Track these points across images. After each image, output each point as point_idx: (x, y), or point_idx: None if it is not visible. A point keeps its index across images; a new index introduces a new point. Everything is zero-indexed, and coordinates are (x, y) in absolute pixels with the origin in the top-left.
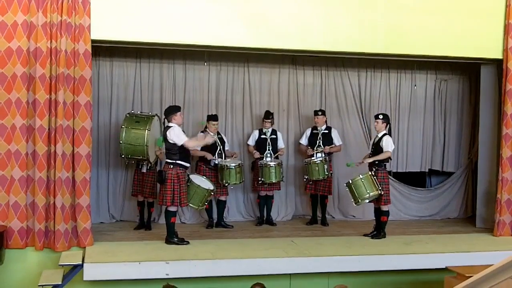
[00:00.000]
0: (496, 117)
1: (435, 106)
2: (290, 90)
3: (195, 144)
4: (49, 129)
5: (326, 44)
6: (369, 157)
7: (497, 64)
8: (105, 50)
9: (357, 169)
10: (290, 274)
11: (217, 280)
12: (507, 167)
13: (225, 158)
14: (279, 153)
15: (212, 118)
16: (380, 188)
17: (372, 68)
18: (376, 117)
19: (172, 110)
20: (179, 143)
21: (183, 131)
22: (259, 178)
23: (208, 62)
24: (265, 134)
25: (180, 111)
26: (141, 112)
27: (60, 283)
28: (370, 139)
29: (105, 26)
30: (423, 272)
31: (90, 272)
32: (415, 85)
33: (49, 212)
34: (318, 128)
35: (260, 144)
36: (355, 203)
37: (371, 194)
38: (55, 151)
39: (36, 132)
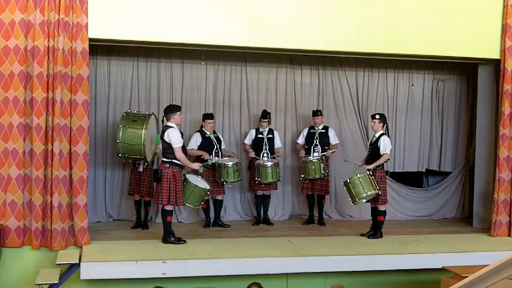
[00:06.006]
0: (493, 117)
1: (432, 106)
2: (288, 90)
3: (182, 158)
4: (46, 127)
5: (324, 44)
6: (367, 158)
7: (495, 64)
8: (102, 49)
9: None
10: (287, 273)
11: (214, 279)
12: (504, 167)
13: (222, 157)
14: (277, 154)
15: (208, 116)
16: (377, 187)
17: (369, 67)
18: (373, 117)
19: (172, 109)
20: (173, 146)
21: (181, 132)
22: (256, 178)
23: (206, 61)
24: (262, 133)
25: (180, 111)
26: (138, 112)
27: (57, 282)
28: (367, 139)
29: (103, 25)
30: (419, 272)
31: (87, 271)
32: (413, 85)
33: (46, 211)
34: (315, 127)
35: (257, 144)
36: (352, 202)
37: (368, 193)
38: (52, 150)
39: (34, 130)
